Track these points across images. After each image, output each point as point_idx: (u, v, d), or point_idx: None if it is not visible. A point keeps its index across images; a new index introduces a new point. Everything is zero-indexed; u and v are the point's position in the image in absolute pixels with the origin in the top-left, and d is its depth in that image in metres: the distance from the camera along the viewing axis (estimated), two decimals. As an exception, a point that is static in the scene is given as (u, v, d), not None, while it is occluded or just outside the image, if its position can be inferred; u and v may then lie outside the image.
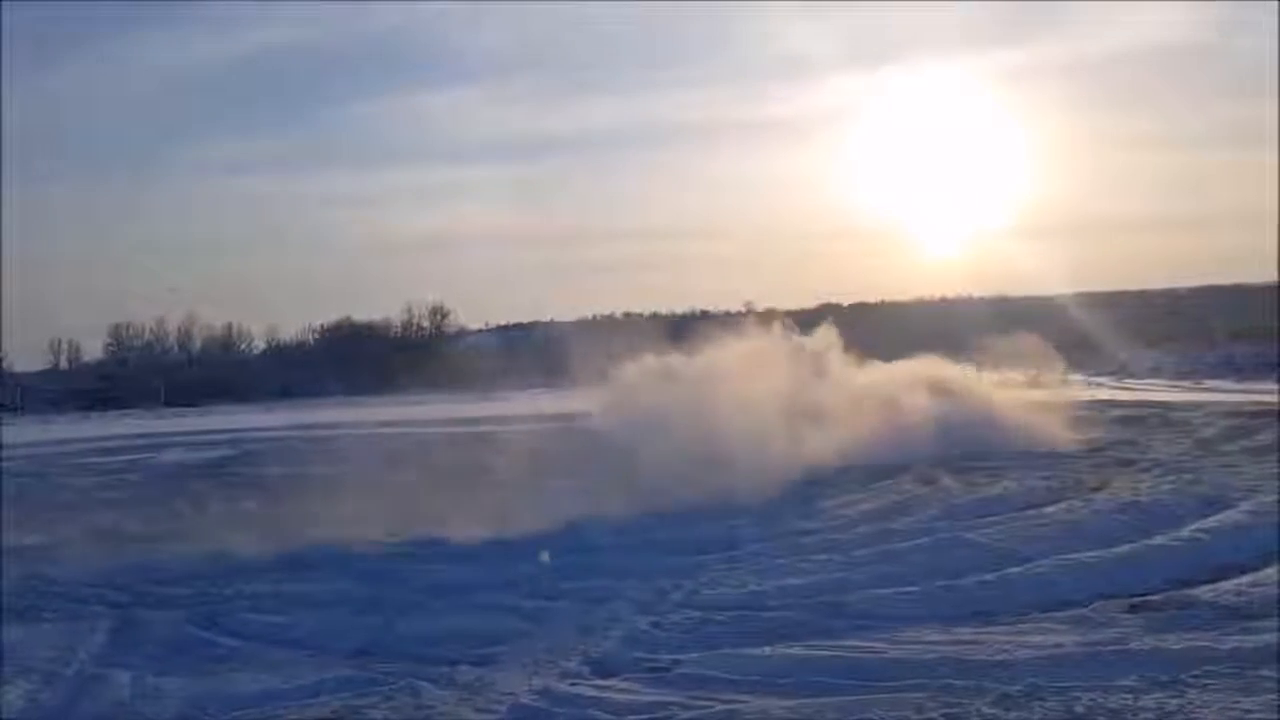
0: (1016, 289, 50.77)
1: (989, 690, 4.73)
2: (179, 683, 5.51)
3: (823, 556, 8.17)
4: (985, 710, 4.49)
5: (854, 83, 77.99)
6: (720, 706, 4.82)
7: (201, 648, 6.28)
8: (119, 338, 58.66)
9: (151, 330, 60.52)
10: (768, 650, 5.73)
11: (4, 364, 53.66)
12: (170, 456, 20.27)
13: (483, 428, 22.44)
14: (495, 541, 9.63)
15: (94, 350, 62.86)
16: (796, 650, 5.70)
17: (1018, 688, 4.73)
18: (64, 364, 60.75)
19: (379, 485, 14.59)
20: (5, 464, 20.22)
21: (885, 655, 5.49)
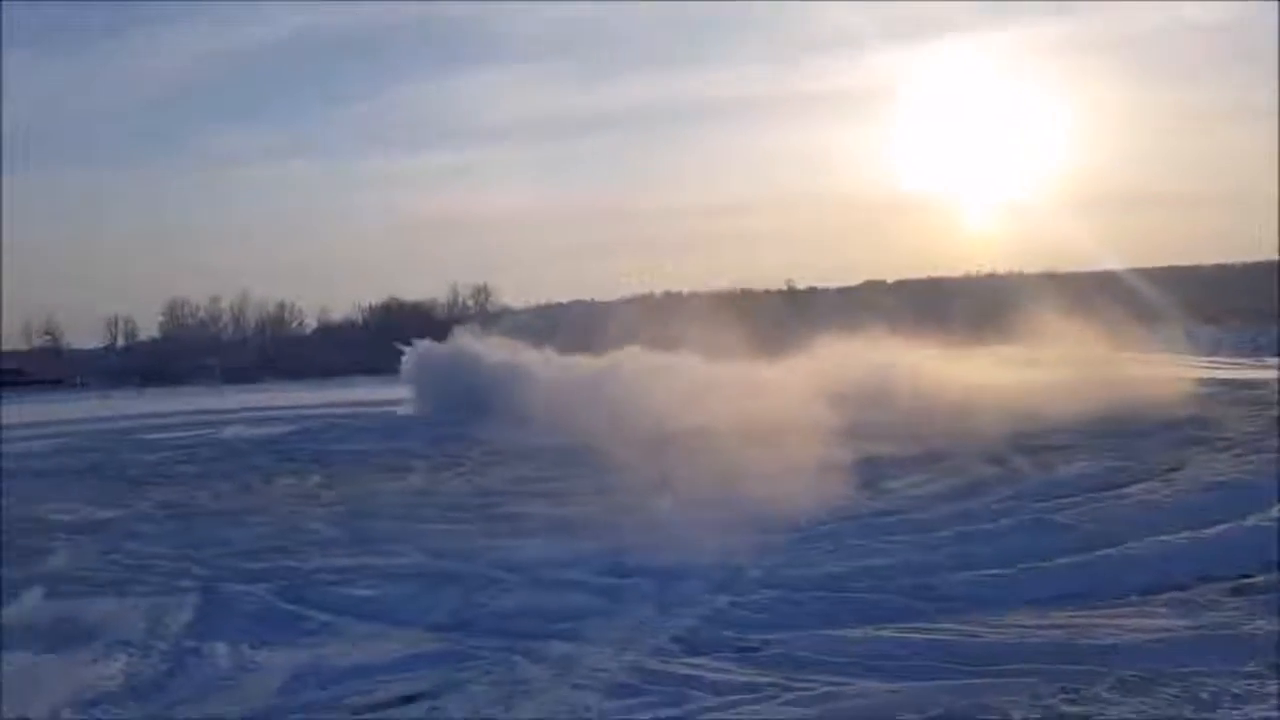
0: (1067, 264, 49.75)
1: (1104, 675, 4.60)
2: (276, 656, 5.55)
3: (900, 538, 8.04)
4: (1105, 695, 4.37)
5: (896, 56, 76.75)
6: (821, 689, 4.74)
7: (292, 621, 6.31)
8: (174, 316, 59.83)
9: (206, 309, 61.80)
10: (858, 632, 5.64)
11: (63, 341, 55.01)
12: (232, 432, 20.56)
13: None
14: (556, 517, 9.65)
15: (150, 328, 64.38)
16: (889, 633, 5.60)
17: (1133, 672, 4.60)
18: (120, 341, 62.20)
19: (436, 461, 14.71)
20: (74, 439, 20.67)
21: (984, 639, 5.37)
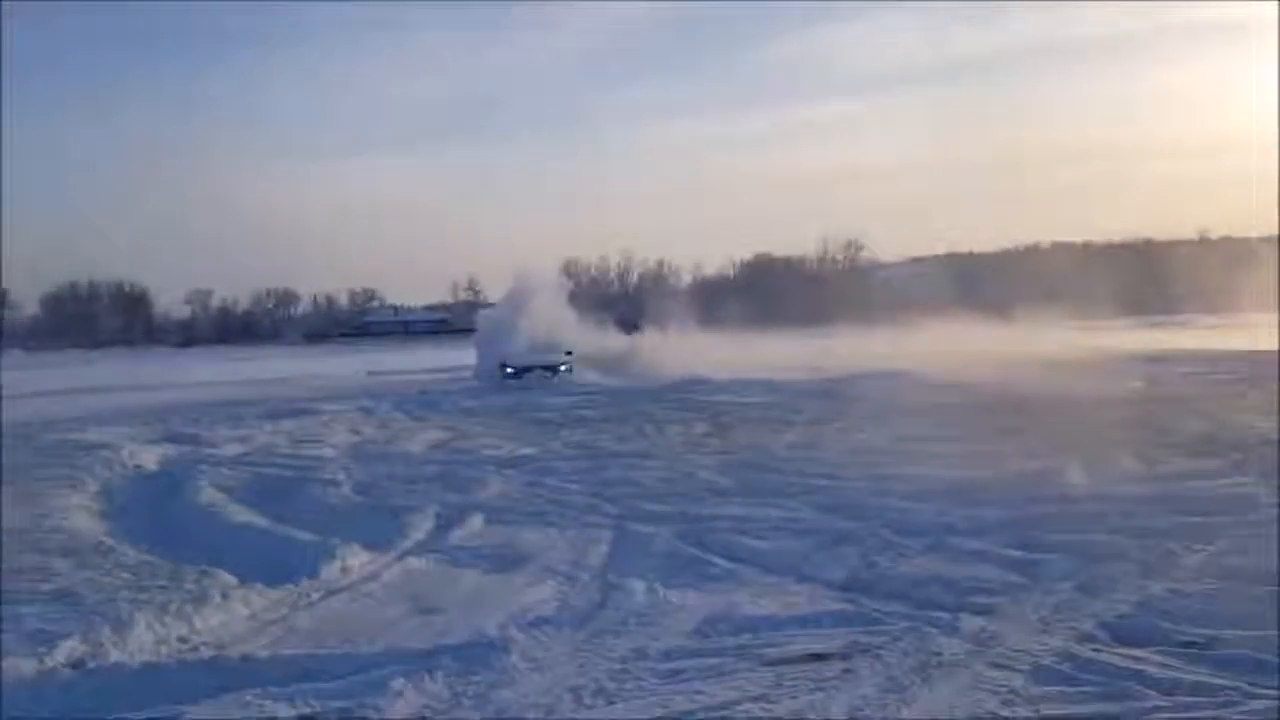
0: None
1: None
2: (687, 598, 5.78)
3: (1379, 530, 6.75)
4: None
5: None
6: (1299, 701, 4.07)
7: (697, 565, 6.57)
8: (570, 272, 65.99)
9: (595, 266, 67.78)
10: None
11: (481, 295, 63.11)
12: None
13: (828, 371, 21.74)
14: (948, 480, 9.22)
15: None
16: (1380, 645, 4.69)
17: None
18: (523, 294, 70.05)
19: (813, 415, 14.72)
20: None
21: None
